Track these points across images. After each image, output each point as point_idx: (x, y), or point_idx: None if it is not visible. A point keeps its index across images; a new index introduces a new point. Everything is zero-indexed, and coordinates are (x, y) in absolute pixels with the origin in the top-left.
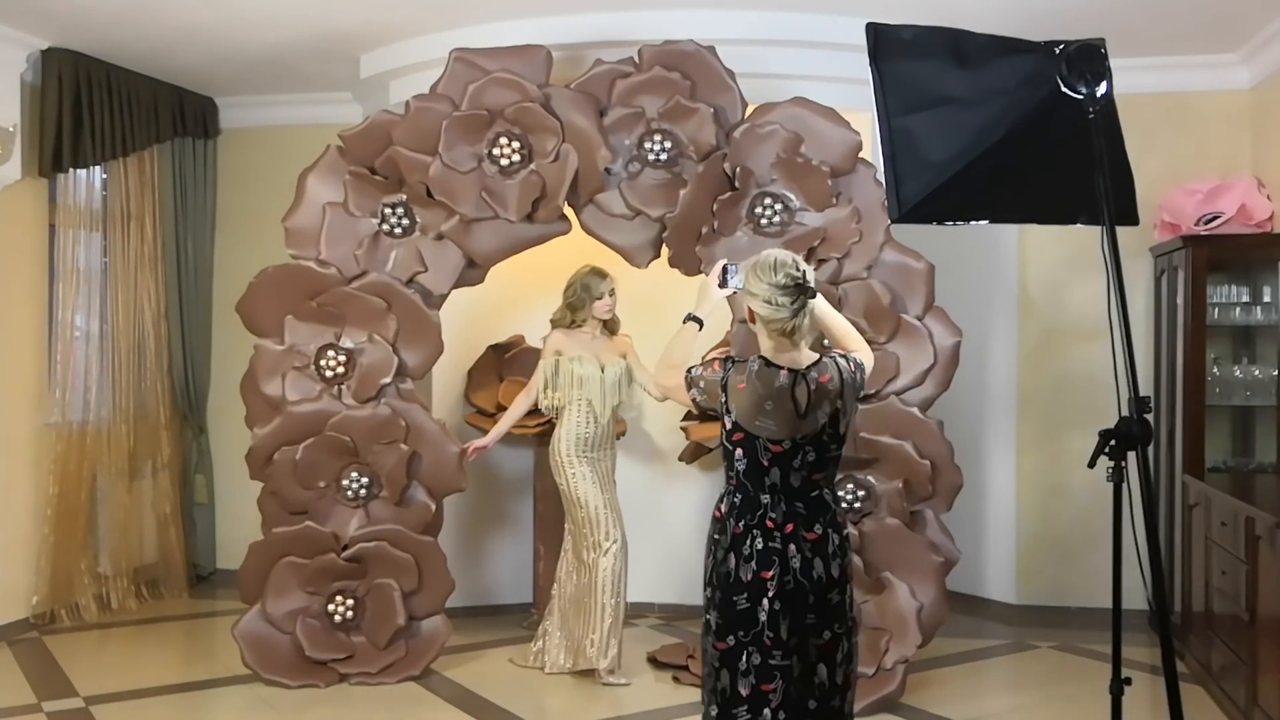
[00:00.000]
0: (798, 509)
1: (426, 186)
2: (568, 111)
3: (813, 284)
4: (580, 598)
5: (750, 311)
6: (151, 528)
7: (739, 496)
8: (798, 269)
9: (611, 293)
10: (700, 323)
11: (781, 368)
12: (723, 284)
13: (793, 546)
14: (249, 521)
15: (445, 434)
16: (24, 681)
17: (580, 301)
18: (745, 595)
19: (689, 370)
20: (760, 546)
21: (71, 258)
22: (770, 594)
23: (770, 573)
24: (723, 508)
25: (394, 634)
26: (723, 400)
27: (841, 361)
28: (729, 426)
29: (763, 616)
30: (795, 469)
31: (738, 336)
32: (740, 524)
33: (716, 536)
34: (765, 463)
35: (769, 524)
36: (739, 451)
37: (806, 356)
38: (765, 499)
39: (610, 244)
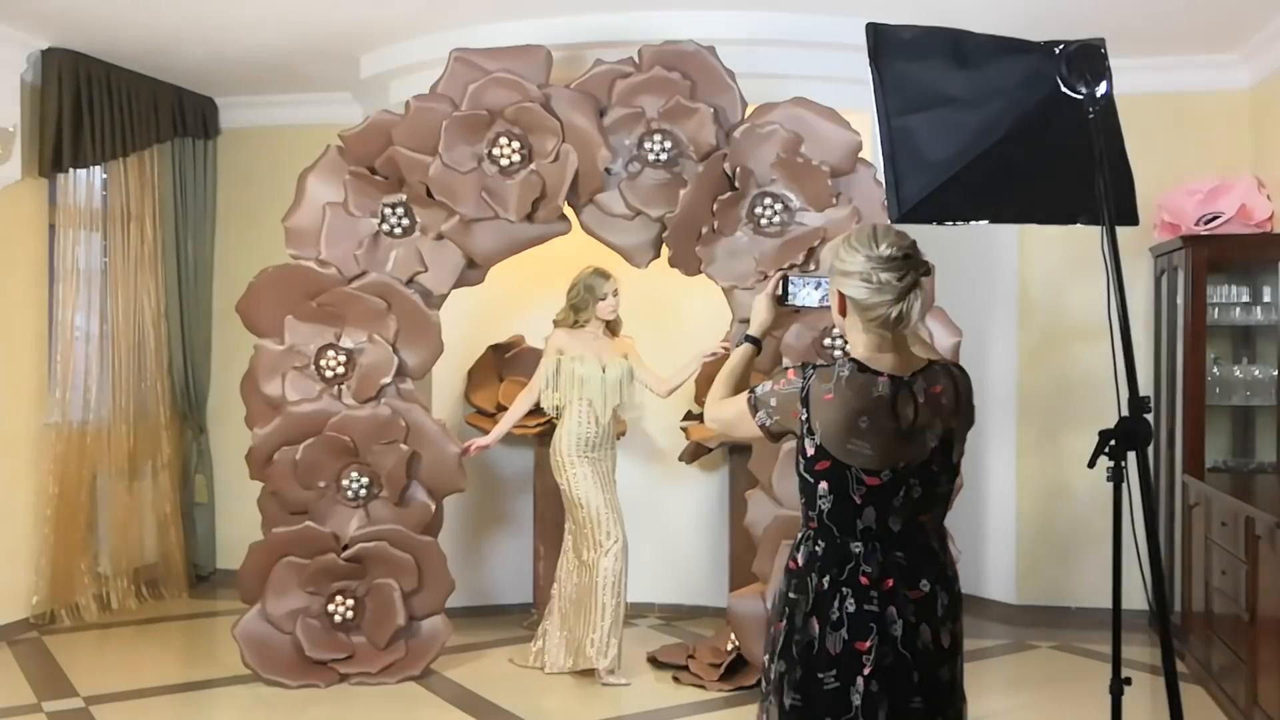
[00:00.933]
0: (898, 560)
1: (426, 186)
2: (568, 111)
3: (926, 259)
4: (580, 597)
5: (841, 299)
6: (151, 528)
7: (822, 544)
8: (905, 238)
9: (615, 293)
10: (758, 345)
11: (880, 373)
12: (783, 299)
13: (893, 609)
14: (249, 521)
15: (445, 434)
16: (24, 681)
17: (584, 302)
18: (834, 672)
19: (751, 391)
20: (853, 609)
21: (71, 258)
22: (866, 671)
23: (866, 643)
24: (799, 558)
25: (394, 634)
26: (804, 418)
27: (955, 370)
28: (810, 453)
29: (857, 700)
30: (896, 508)
31: (737, 337)
32: (825, 579)
33: (793, 596)
34: (858, 500)
35: (863, 580)
36: (823, 485)
37: (914, 360)
38: (857, 548)
39: (610, 244)
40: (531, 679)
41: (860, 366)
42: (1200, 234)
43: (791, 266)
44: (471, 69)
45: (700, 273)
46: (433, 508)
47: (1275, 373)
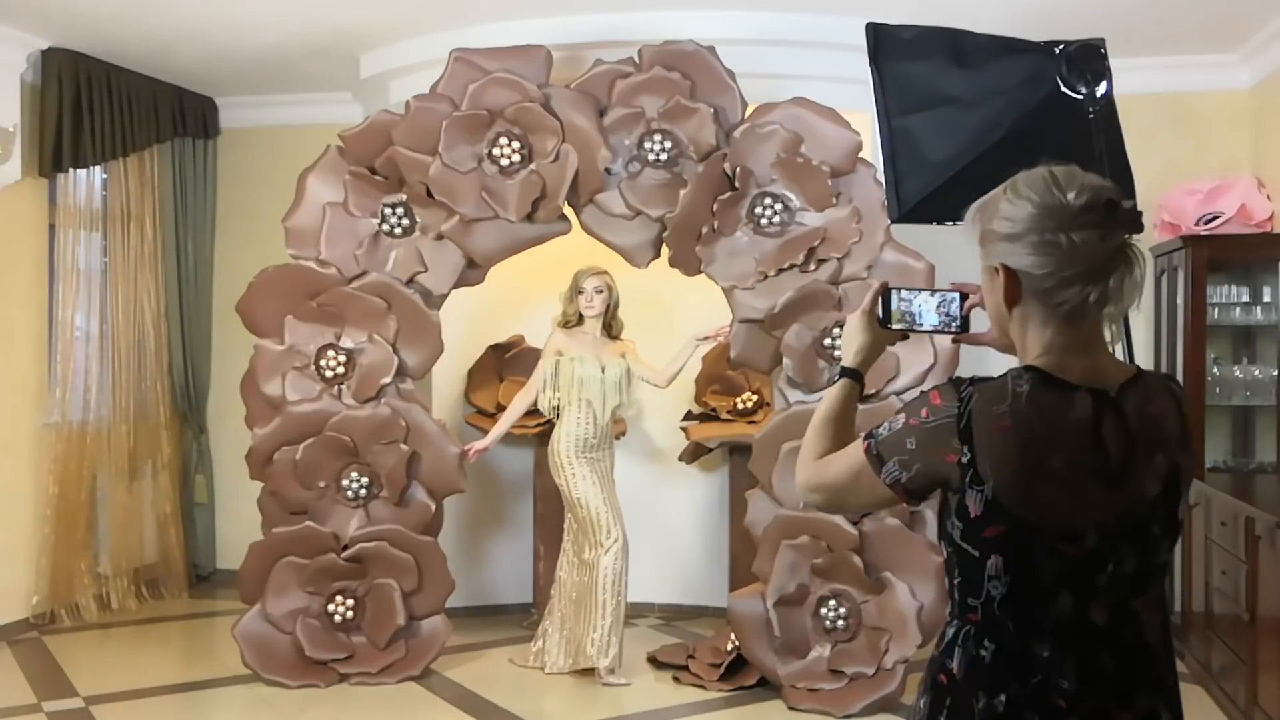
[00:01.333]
0: (1103, 665)
1: (426, 186)
2: (568, 111)
3: (1139, 209)
4: (580, 597)
5: (1007, 279)
6: (151, 528)
7: (990, 646)
8: (1102, 181)
9: (598, 290)
10: (860, 380)
11: (1075, 386)
12: (885, 319)
13: None
14: (249, 521)
15: (445, 434)
16: (24, 681)
17: (568, 297)
18: None
19: (869, 435)
20: None
21: (71, 258)
22: None
23: None
24: (955, 667)
25: (394, 634)
26: (964, 460)
27: (1173, 384)
28: (976, 512)
29: None
30: (1102, 589)
31: (737, 337)
32: (999, 699)
33: None
34: (1050, 579)
35: (1057, 700)
36: (995, 561)
37: (1117, 367)
38: (1045, 651)
39: (610, 244)
40: (531, 679)
41: (1045, 377)
42: (1200, 234)
43: (792, 261)
44: (471, 69)
45: (700, 273)
46: (433, 508)
47: (1275, 373)
